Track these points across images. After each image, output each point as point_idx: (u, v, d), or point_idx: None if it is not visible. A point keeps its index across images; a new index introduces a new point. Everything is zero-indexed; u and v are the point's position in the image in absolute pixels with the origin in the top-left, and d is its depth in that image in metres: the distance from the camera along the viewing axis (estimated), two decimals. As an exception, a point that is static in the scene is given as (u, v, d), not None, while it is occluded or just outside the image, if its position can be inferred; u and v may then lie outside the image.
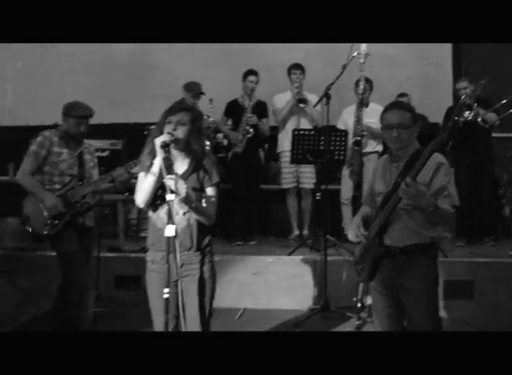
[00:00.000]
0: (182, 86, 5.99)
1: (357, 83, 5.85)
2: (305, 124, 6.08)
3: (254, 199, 6.29)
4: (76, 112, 4.12)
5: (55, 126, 4.26)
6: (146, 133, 5.97)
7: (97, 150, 5.48)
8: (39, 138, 4.11)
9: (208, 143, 5.84)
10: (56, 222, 4.04)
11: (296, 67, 6.12)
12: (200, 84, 5.99)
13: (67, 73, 7.49)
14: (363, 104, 5.82)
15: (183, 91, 5.97)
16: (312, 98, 5.69)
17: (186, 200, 2.89)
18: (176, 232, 2.77)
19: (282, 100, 6.15)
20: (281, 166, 6.28)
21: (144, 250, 3.18)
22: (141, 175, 3.06)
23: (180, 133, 2.97)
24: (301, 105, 6.00)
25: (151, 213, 3.08)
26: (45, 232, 4.03)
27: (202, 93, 5.98)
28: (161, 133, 2.98)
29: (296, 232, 6.33)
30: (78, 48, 6.93)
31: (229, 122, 6.28)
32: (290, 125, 6.09)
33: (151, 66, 7.48)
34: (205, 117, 5.90)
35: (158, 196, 2.99)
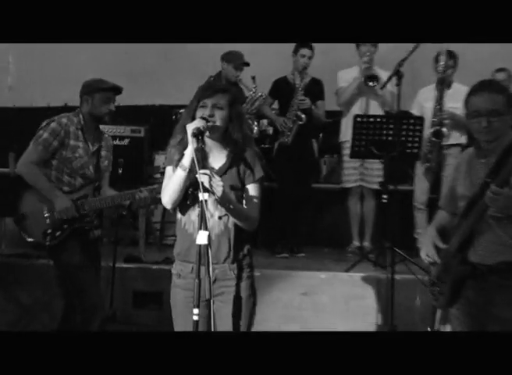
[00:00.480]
0: (220, 57, 6.10)
1: (436, 58, 5.77)
2: (375, 108, 6.09)
3: (305, 201, 6.30)
4: (103, 84, 4.14)
5: (68, 109, 4.30)
6: (174, 117, 6.13)
7: (115, 138, 5.61)
8: (53, 124, 4.09)
9: (254, 129, 5.91)
10: (58, 233, 4.06)
11: None
12: (242, 54, 6.09)
13: (78, 46, 7.63)
14: (444, 84, 5.74)
15: (221, 62, 6.09)
16: (385, 75, 5.65)
17: (222, 200, 2.92)
18: (210, 239, 2.80)
19: (347, 77, 6.15)
20: (343, 159, 6.29)
21: (169, 261, 3.24)
22: (169, 170, 3.09)
23: (217, 118, 3.00)
24: (370, 84, 6.00)
25: (179, 216, 3.11)
26: (42, 241, 4.06)
27: (246, 63, 6.08)
28: (193, 118, 3.00)
29: (357, 243, 6.31)
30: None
31: (275, 105, 6.32)
32: (356, 109, 6.11)
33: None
34: (251, 93, 5.97)
35: (188, 195, 3.02)
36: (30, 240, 4.11)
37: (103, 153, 4.25)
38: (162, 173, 3.23)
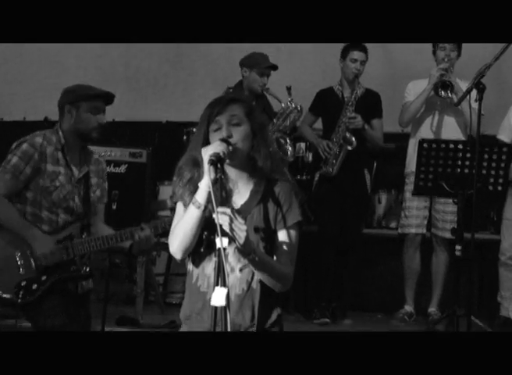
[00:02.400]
0: (239, 62, 6.11)
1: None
2: (452, 131, 6.09)
3: (353, 251, 6.27)
4: (89, 91, 4.17)
5: (48, 124, 4.31)
6: (186, 138, 6.15)
7: (109, 163, 5.62)
8: (24, 146, 4.09)
9: (289, 151, 5.86)
10: (34, 286, 4.01)
11: None
12: (266, 55, 6.10)
13: (65, 47, 7.70)
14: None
15: (241, 69, 6.10)
16: (465, 87, 5.62)
17: (245, 249, 2.92)
18: (229, 299, 2.78)
19: (419, 90, 6.16)
20: (404, 197, 6.27)
21: (174, 325, 3.22)
22: (179, 207, 3.11)
23: (238, 138, 3.01)
24: (443, 94, 6.00)
25: (190, 268, 3.12)
26: (14, 298, 4.00)
27: (273, 67, 6.07)
28: (206, 139, 3.03)
29: (409, 308, 6.22)
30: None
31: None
32: (426, 130, 6.12)
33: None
34: (283, 105, 5.96)
35: (202, 241, 3.03)
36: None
37: (93, 180, 4.26)
38: (172, 210, 3.21)
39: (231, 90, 6.05)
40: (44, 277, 4.04)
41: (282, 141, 5.90)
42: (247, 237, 2.86)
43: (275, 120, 5.95)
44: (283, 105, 5.97)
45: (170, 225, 3.16)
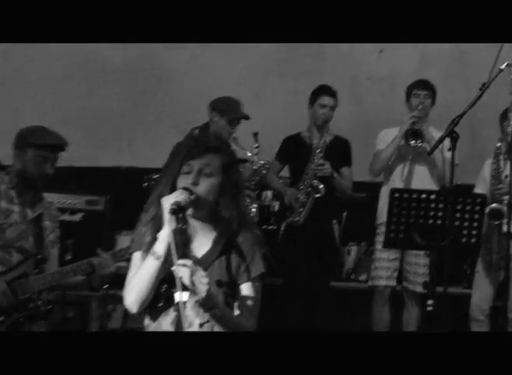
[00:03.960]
0: (209, 104, 6.12)
1: (504, 115, 5.82)
2: (425, 178, 6.14)
3: (321, 304, 6.22)
4: (38, 139, 4.20)
5: (0, 168, 4.35)
6: (146, 185, 6.10)
7: (63, 211, 5.57)
8: None
9: (253, 207, 5.84)
10: None
11: (422, 86, 6.23)
12: (239, 102, 6.10)
13: (17, 76, 7.68)
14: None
15: (210, 111, 6.08)
16: (438, 136, 5.68)
17: (207, 303, 2.90)
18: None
19: (390, 137, 6.20)
20: (375, 248, 6.28)
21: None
22: (136, 257, 3.08)
23: (203, 189, 3.00)
24: (412, 143, 6.04)
25: (147, 322, 3.09)
26: None
27: (245, 117, 6.09)
28: (173, 187, 3.01)
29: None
30: (39, 50, 7.15)
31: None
32: (398, 178, 6.17)
33: (157, 77, 7.72)
34: (249, 156, 5.93)
35: (160, 294, 3.01)
36: None
37: (46, 224, 4.29)
38: (128, 261, 3.18)
39: (196, 131, 6.02)
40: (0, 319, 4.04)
41: (249, 200, 5.89)
42: (208, 291, 2.85)
43: (246, 176, 5.94)
44: (250, 155, 5.97)
45: (130, 252, 3.15)
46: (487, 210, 5.68)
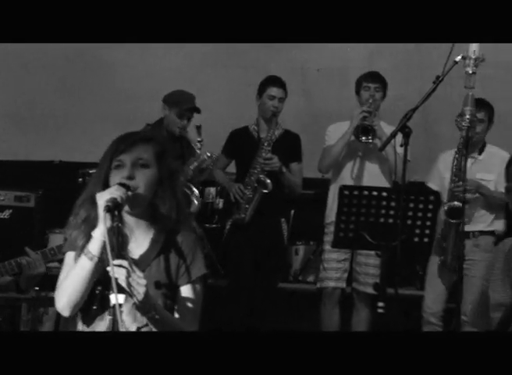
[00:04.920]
0: (163, 98, 6.07)
1: (461, 111, 5.83)
2: (376, 175, 6.17)
3: (267, 307, 6.21)
4: None
5: None
6: (81, 180, 6.05)
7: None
8: None
9: (194, 202, 5.79)
10: None
11: (372, 78, 6.23)
12: (193, 96, 6.08)
13: None
14: (469, 146, 5.77)
15: (163, 106, 6.05)
16: (390, 131, 5.67)
17: (144, 306, 2.88)
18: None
19: (340, 132, 6.20)
20: (324, 247, 6.27)
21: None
22: (69, 257, 3.04)
23: (140, 182, 2.97)
24: (363, 139, 6.05)
25: (81, 327, 3.06)
26: None
27: (196, 109, 6.05)
28: (106, 183, 2.97)
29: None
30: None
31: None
32: (348, 175, 6.18)
33: (93, 70, 7.67)
34: (197, 151, 5.89)
35: (94, 297, 2.97)
36: None
37: None
38: (60, 261, 3.16)
39: (149, 127, 6.03)
40: None
41: (188, 191, 5.80)
42: (146, 293, 2.82)
43: (190, 171, 5.86)
44: (197, 149, 5.90)
45: (60, 252, 3.10)
46: (445, 208, 5.71)
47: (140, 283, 2.80)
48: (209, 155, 5.91)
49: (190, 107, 6.00)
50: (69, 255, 3.05)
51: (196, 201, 5.84)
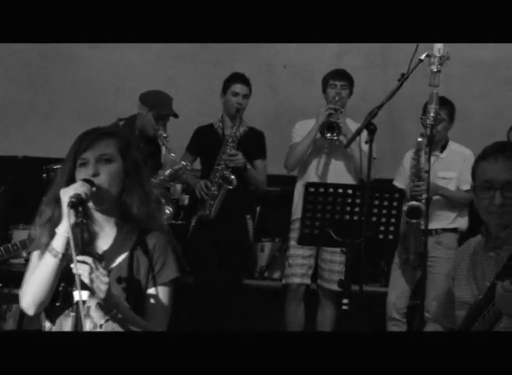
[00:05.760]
0: (140, 96, 6.04)
1: (424, 109, 5.88)
2: (342, 172, 6.20)
3: (232, 304, 6.23)
4: None
5: None
6: (46, 176, 6.01)
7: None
8: None
9: (167, 212, 5.77)
10: None
11: (339, 76, 6.25)
12: (170, 98, 6.03)
13: None
14: (433, 144, 5.82)
15: (139, 105, 6.00)
16: (355, 128, 5.69)
17: (106, 304, 2.88)
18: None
19: (307, 130, 6.23)
20: (290, 244, 6.30)
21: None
22: (34, 256, 3.03)
23: (105, 178, 2.97)
24: (328, 136, 6.07)
25: (47, 324, 3.05)
26: None
27: (174, 115, 6.01)
28: (71, 176, 2.97)
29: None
30: None
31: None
32: (314, 173, 6.20)
33: (59, 64, 7.62)
34: (171, 156, 5.86)
35: (58, 293, 2.95)
36: None
37: None
38: (26, 262, 3.14)
39: (122, 122, 5.96)
40: None
41: (163, 200, 5.80)
42: (108, 291, 2.81)
43: (163, 177, 5.84)
44: (176, 166, 5.88)
45: (23, 247, 3.09)
46: (405, 208, 5.75)
47: (102, 281, 2.78)
48: (184, 164, 5.88)
49: (170, 113, 5.97)
50: (35, 255, 3.03)
51: (168, 212, 5.82)
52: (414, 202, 5.81)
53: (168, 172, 5.78)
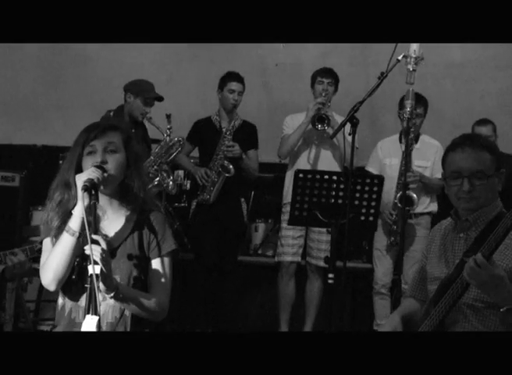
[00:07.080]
0: (123, 87, 6.02)
1: (401, 103, 5.89)
2: (329, 161, 6.21)
3: (229, 278, 6.25)
4: None
5: None
6: (62, 163, 5.99)
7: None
8: None
9: (170, 183, 5.79)
10: None
11: (326, 74, 6.28)
12: (152, 84, 6.02)
13: None
14: (409, 136, 5.84)
15: (125, 94, 5.99)
16: (340, 121, 5.72)
17: (108, 286, 2.87)
18: (100, 328, 2.72)
19: (296, 123, 6.26)
20: (281, 226, 6.33)
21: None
22: (46, 243, 3.05)
23: (112, 166, 3.00)
24: (319, 127, 6.09)
25: (62, 300, 3.07)
26: None
27: (159, 98, 6.00)
28: (79, 163, 3.00)
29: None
30: None
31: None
32: (304, 161, 6.21)
33: (72, 61, 7.61)
34: (165, 136, 5.88)
35: (73, 268, 2.97)
36: None
37: None
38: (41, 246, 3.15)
39: (111, 113, 5.95)
40: None
41: (165, 174, 5.83)
42: (109, 271, 2.81)
43: (157, 150, 5.87)
44: (167, 138, 5.89)
45: (40, 241, 3.08)
46: (398, 195, 5.80)
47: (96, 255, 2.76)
48: (178, 139, 5.92)
49: (156, 96, 5.95)
50: (46, 242, 3.06)
51: (171, 183, 5.86)
52: (408, 192, 5.84)
53: (158, 148, 5.84)
